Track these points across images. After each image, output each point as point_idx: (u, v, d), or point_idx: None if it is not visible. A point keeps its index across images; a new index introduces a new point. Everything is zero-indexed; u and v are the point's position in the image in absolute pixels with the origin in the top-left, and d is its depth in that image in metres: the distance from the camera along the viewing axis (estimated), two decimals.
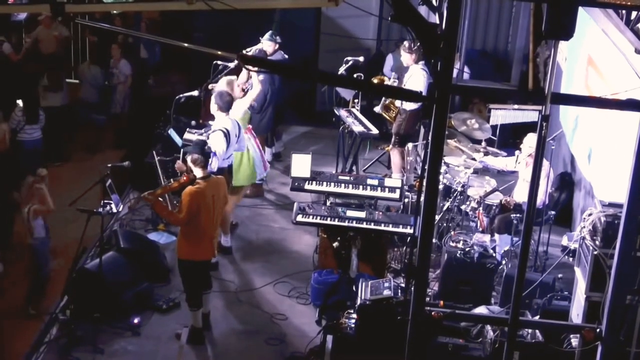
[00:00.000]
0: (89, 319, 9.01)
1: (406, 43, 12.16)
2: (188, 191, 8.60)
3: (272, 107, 12.42)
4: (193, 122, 11.80)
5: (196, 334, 8.95)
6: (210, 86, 11.36)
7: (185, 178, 8.74)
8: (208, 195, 8.72)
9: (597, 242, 7.11)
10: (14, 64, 14.26)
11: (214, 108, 10.09)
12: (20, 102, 12.02)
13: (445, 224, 10.49)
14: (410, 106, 12.06)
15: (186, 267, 8.88)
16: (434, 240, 10.01)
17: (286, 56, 12.71)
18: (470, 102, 14.33)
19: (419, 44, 11.86)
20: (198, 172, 8.76)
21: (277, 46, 12.49)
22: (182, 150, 10.58)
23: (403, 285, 8.60)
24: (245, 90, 11.62)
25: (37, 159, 12.20)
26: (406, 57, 12.10)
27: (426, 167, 5.92)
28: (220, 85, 10.87)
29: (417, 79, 11.85)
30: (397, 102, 12.25)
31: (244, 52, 11.65)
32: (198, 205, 8.59)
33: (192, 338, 8.89)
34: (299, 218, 9.61)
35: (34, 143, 12.15)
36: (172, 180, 9.13)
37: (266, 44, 12.32)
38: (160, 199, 8.89)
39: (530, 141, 10.10)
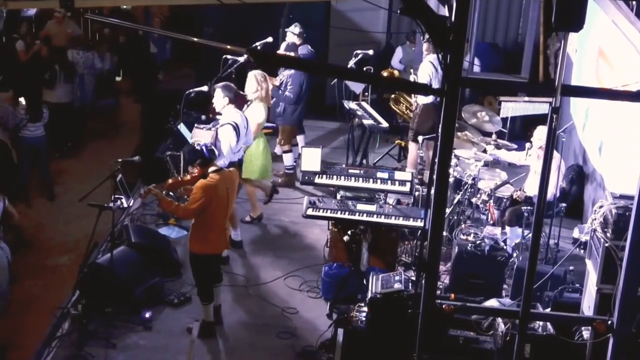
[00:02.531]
0: (100, 314, 9.04)
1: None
2: (200, 184, 8.59)
3: (305, 99, 12.43)
4: (203, 117, 11.82)
5: (207, 328, 8.96)
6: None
7: (197, 171, 8.73)
8: (222, 188, 8.71)
9: (608, 234, 7.09)
10: (22, 63, 14.30)
11: (223, 102, 10.07)
12: (22, 99, 12.05)
13: (455, 217, 10.49)
14: (422, 100, 12.06)
15: (198, 260, 8.89)
16: (444, 233, 10.04)
17: (312, 50, 12.72)
18: (480, 95, 14.30)
19: (426, 40, 11.93)
20: (209, 168, 8.75)
21: (301, 40, 12.52)
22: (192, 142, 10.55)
23: (414, 278, 8.59)
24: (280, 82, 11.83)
25: (39, 157, 12.26)
26: (424, 47, 12.11)
27: (436, 159, 5.91)
28: (251, 81, 10.92)
29: (420, 72, 11.85)
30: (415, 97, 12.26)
31: (255, 45, 11.75)
32: (210, 198, 8.58)
33: (204, 332, 8.88)
34: (309, 212, 9.60)
35: (36, 140, 12.17)
36: (185, 174, 9.10)
37: (290, 36, 12.36)
38: (171, 192, 8.90)
39: (541, 134, 10.07)
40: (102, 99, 15.22)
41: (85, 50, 14.57)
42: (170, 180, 9.16)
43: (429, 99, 12.02)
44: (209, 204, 8.56)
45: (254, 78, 10.88)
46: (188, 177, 8.89)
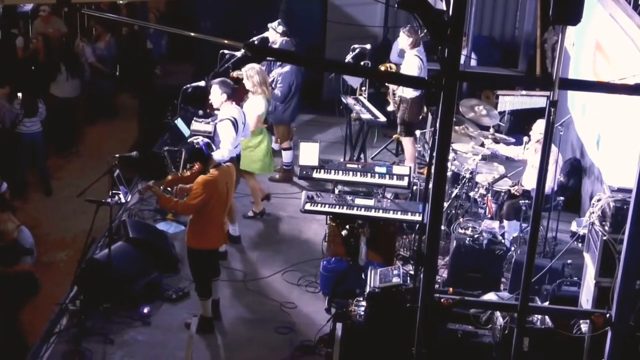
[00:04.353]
0: (98, 309, 9.04)
1: (408, 26, 12.12)
2: (201, 180, 8.58)
3: (297, 98, 12.41)
4: (200, 112, 11.80)
5: (206, 323, 8.96)
6: (235, 74, 11.41)
7: (198, 166, 8.70)
8: (222, 183, 8.72)
9: (606, 228, 7.09)
10: (20, 59, 14.30)
11: (221, 98, 10.05)
12: (20, 94, 12.04)
13: (453, 211, 10.48)
14: (410, 94, 12.03)
15: (196, 255, 8.88)
16: (442, 228, 10.02)
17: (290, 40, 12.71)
18: (478, 89, 14.29)
19: (423, 34, 11.89)
20: (209, 164, 8.73)
21: (284, 36, 12.49)
22: (190, 140, 10.52)
23: (412, 272, 8.58)
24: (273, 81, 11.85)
25: (36, 152, 12.26)
26: (403, 40, 12.01)
27: (434, 154, 5.90)
28: (245, 76, 10.95)
29: (409, 66, 11.82)
30: (398, 91, 12.20)
31: (252, 40, 11.75)
32: (211, 193, 8.58)
33: (202, 327, 8.88)
34: (308, 207, 9.60)
35: (33, 136, 12.16)
36: (184, 170, 9.04)
37: (273, 34, 12.33)
38: (169, 188, 8.87)
39: (539, 127, 10.07)
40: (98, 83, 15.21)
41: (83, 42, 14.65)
42: (169, 177, 9.14)
43: (417, 92, 11.99)
44: (209, 199, 8.56)
45: (246, 72, 10.93)
46: (188, 173, 8.86)
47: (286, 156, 12.45)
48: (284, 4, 15.20)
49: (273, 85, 12.06)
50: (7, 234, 9.11)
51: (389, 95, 12.65)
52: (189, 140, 9.37)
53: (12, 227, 9.15)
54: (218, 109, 10.29)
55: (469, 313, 7.99)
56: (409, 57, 11.98)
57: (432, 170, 5.94)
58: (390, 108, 12.56)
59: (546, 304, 8.25)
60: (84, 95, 14.32)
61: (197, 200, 8.54)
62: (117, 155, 9.44)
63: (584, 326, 7.40)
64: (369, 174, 10.04)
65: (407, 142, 12.33)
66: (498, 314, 7.79)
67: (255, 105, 10.86)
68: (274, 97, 12.02)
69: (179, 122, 11.21)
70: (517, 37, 15.36)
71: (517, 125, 13.30)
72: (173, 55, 16.45)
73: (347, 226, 9.51)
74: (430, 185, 6.04)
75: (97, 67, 14.80)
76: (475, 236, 9.48)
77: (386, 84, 12.85)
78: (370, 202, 9.57)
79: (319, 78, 15.02)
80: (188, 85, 11.16)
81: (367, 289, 8.31)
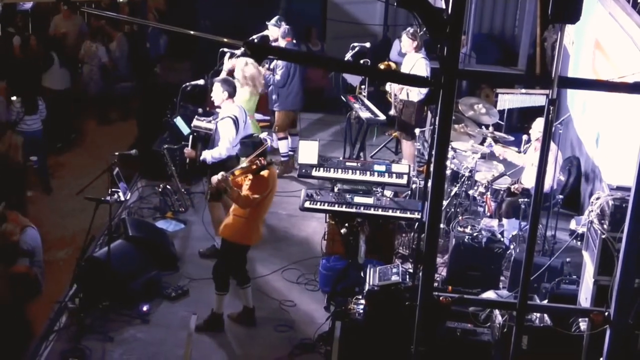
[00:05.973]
0: (98, 307, 9.04)
1: (410, 29, 12.09)
2: (267, 175, 8.57)
3: (300, 82, 12.38)
4: (200, 110, 11.82)
5: (216, 320, 8.93)
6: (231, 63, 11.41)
7: (262, 160, 8.62)
8: (276, 180, 8.85)
9: (605, 226, 7.09)
10: (17, 58, 14.32)
11: (223, 96, 10.04)
12: (15, 97, 12.05)
13: (453, 209, 10.48)
14: (417, 97, 11.99)
15: (237, 249, 8.84)
16: (441, 226, 10.03)
17: (294, 41, 12.71)
18: (477, 87, 14.30)
19: (422, 32, 11.87)
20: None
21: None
22: (190, 137, 10.49)
23: (411, 270, 8.59)
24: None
25: (36, 150, 12.26)
26: (407, 43, 11.96)
27: (433, 152, 5.90)
28: (237, 67, 10.97)
29: (420, 69, 11.78)
30: (402, 95, 12.14)
31: (252, 38, 11.76)
32: (270, 189, 8.63)
33: (212, 324, 8.88)
34: (307, 205, 9.60)
35: (33, 134, 12.16)
36: (246, 164, 8.81)
37: (272, 30, 12.31)
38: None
39: (539, 126, 10.07)
40: (117, 84, 15.27)
41: (92, 42, 14.72)
42: (237, 171, 8.77)
43: (423, 95, 11.97)
44: (268, 194, 8.62)
45: (239, 64, 10.95)
46: (254, 166, 8.68)
47: (282, 146, 12.43)
48: (283, 2, 15.21)
49: (274, 72, 12.08)
50: (6, 234, 9.11)
51: (390, 96, 12.64)
52: (254, 135, 9.26)
53: (10, 228, 9.13)
54: (219, 107, 10.29)
55: (468, 311, 7.99)
56: (417, 61, 11.86)
57: (432, 169, 5.94)
58: (392, 112, 12.54)
59: (545, 302, 8.25)
60: (76, 89, 14.37)
61: (260, 195, 8.53)
62: (116, 154, 9.46)
63: (583, 324, 7.40)
64: (368, 172, 10.03)
65: (409, 144, 12.31)
66: (497, 312, 7.79)
67: (240, 96, 10.83)
68: (275, 83, 12.04)
69: (179, 121, 11.22)
70: (517, 36, 15.37)
71: (517, 123, 13.31)
72: (173, 53, 16.48)
73: (347, 224, 9.50)
74: (430, 184, 6.04)
75: (110, 66, 14.90)
76: (475, 234, 9.48)
77: (388, 87, 12.84)
78: (369, 200, 9.56)
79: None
80: (188, 84, 11.16)
81: (366, 287, 8.32)
